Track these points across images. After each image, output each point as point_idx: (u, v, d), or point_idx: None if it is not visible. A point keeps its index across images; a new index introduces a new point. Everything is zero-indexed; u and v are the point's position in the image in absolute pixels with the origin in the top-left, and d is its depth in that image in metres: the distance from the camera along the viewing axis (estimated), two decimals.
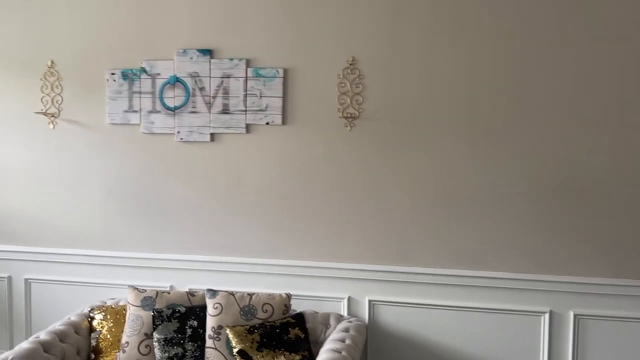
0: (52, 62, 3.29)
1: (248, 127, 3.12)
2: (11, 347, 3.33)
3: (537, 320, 2.92)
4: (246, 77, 3.09)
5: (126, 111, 3.22)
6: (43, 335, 2.71)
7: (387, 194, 3.02)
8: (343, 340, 2.67)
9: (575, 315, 2.88)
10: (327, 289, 3.11)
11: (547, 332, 2.90)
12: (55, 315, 3.27)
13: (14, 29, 3.31)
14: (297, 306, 3.00)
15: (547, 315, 2.90)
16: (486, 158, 2.91)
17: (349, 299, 3.09)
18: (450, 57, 2.91)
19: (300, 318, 2.84)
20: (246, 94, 3.10)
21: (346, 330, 2.81)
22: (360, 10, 2.97)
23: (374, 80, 2.99)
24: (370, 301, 3.07)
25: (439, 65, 2.92)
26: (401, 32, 2.94)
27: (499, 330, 2.95)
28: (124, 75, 3.21)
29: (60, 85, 3.29)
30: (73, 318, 2.94)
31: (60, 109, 3.30)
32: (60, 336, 2.76)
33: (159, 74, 3.18)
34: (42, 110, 3.29)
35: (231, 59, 3.10)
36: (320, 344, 2.81)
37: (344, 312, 3.09)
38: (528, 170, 2.88)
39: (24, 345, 2.60)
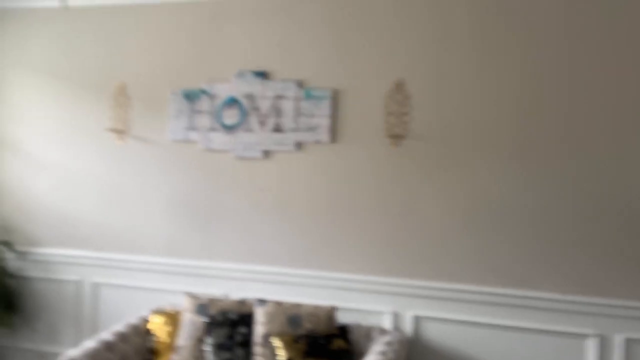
0: (123, 83, 3.59)
1: (298, 145, 3.28)
2: (78, 345, 3.60)
3: (583, 343, 2.88)
4: (297, 97, 3.26)
5: (187, 129, 3.46)
6: (106, 336, 2.95)
7: (432, 211, 3.08)
8: (385, 354, 2.74)
9: (626, 340, 2.82)
10: (371, 302, 3.19)
11: (594, 356, 2.85)
12: (118, 317, 3.52)
13: (90, 54, 3.63)
14: (341, 318, 3.10)
15: (594, 338, 2.85)
16: (532, 179, 2.93)
17: (393, 313, 3.16)
18: (495, 79, 2.96)
19: (344, 330, 2.94)
20: (297, 114, 3.26)
21: (389, 343, 2.88)
22: (407, 34, 3.07)
23: (420, 101, 3.07)
24: (413, 316, 3.13)
25: (484, 87, 2.97)
26: (447, 54, 3.02)
27: (542, 351, 2.93)
28: (186, 96, 3.45)
29: (129, 104, 3.58)
30: (134, 321, 3.17)
31: (128, 126, 3.58)
32: (122, 337, 2.99)
33: (217, 94, 3.40)
34: (112, 127, 3.59)
35: (284, 81, 3.28)
36: (363, 356, 2.90)
37: (388, 326, 3.16)
38: (575, 190, 2.87)
39: (89, 344, 2.83)
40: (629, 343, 2.82)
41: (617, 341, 2.83)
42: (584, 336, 2.88)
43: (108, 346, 2.87)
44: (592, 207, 2.85)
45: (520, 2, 2.91)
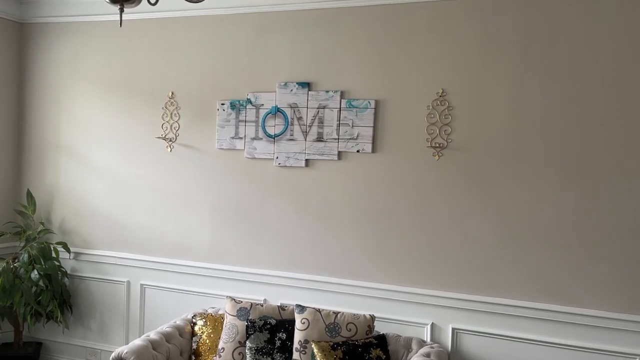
0: (173, 93, 3.74)
1: (340, 154, 3.32)
2: (126, 343, 3.76)
3: None
4: (340, 107, 3.31)
5: (232, 137, 3.57)
6: (153, 335, 3.07)
7: (474, 223, 3.05)
8: None
9: None
10: (410, 314, 3.18)
11: None
12: (164, 318, 3.65)
13: (143, 66, 3.80)
14: (380, 328, 3.11)
15: None
16: (576, 192, 2.86)
17: (432, 325, 3.14)
18: (539, 89, 2.91)
19: (382, 339, 2.95)
20: (339, 124, 3.31)
21: (427, 355, 2.86)
22: (450, 44, 3.07)
23: (463, 112, 3.06)
24: (453, 329, 3.10)
25: (528, 97, 2.93)
26: (490, 65, 3.00)
27: None
28: (232, 106, 3.57)
29: (178, 113, 3.72)
30: (178, 322, 3.28)
31: (177, 134, 3.73)
32: (167, 337, 3.10)
33: (262, 104, 3.49)
34: (162, 135, 3.74)
35: (327, 91, 3.34)
36: None
37: (427, 338, 3.14)
38: (621, 205, 2.78)
39: (137, 342, 2.96)
40: None
41: None
42: (632, 356, 2.77)
43: (155, 345, 2.98)
44: (635, 225, 2.76)
45: (567, 12, 2.86)
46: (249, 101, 3.53)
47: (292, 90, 3.42)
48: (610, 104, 2.80)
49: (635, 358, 2.77)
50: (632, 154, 2.76)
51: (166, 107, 3.75)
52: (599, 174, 2.82)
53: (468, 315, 3.07)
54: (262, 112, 3.50)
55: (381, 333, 3.02)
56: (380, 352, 2.88)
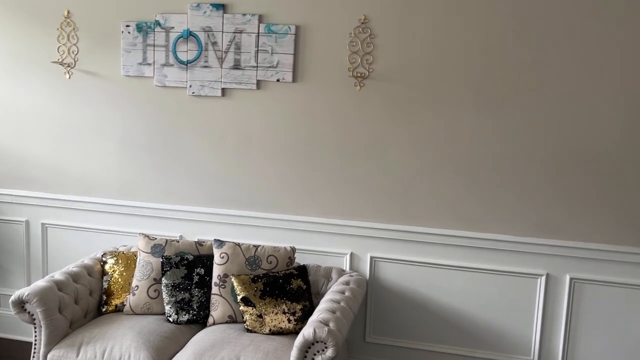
0: (69, 12, 3.34)
1: (259, 83, 3.16)
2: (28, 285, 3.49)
3: (534, 282, 2.98)
4: (258, 32, 3.11)
5: (140, 64, 3.28)
6: (58, 275, 2.85)
7: (393, 154, 3.06)
8: (343, 292, 2.77)
9: (571, 279, 2.93)
10: (330, 244, 3.20)
11: (543, 294, 2.97)
12: (70, 259, 3.42)
13: None
14: (300, 260, 3.10)
15: (543, 278, 2.96)
16: (494, 121, 2.93)
17: (352, 254, 3.18)
18: (463, 16, 2.89)
19: (302, 270, 2.94)
20: (258, 50, 3.13)
21: (347, 283, 2.90)
22: None
23: (386, 40, 2.99)
24: (372, 257, 3.15)
25: (452, 26, 2.91)
26: None
27: (496, 291, 3.03)
28: (139, 28, 3.25)
29: (76, 35, 3.34)
30: (86, 261, 3.08)
31: (76, 59, 3.36)
32: (74, 277, 2.90)
33: (172, 27, 3.21)
34: (58, 59, 3.36)
35: (244, 14, 3.12)
36: (321, 296, 2.92)
37: (346, 267, 3.18)
38: (533, 135, 2.89)
39: (40, 283, 2.74)
40: (573, 282, 2.94)
41: (566, 280, 2.95)
42: (535, 276, 2.98)
43: (60, 285, 2.78)
44: (546, 150, 2.88)
45: None
46: (157, 23, 3.23)
47: (205, 12, 3.16)
48: (533, 31, 2.83)
49: (538, 277, 2.98)
50: (547, 85, 2.85)
51: (62, 28, 3.35)
52: (517, 106, 2.89)
53: (386, 244, 3.13)
54: (173, 36, 3.22)
55: (302, 264, 3.02)
56: (301, 282, 2.88)
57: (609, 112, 2.80)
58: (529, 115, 2.89)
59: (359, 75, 3.03)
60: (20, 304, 2.66)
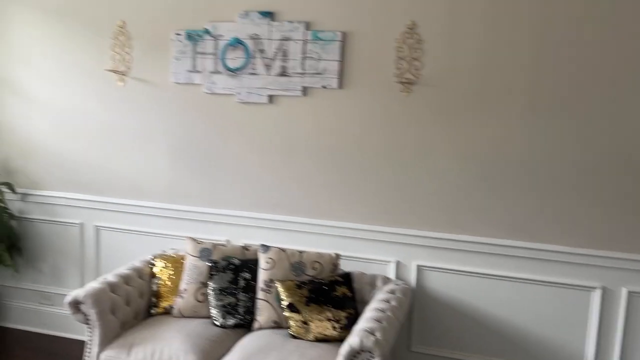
0: (123, 22, 3.45)
1: (305, 90, 3.18)
2: (82, 286, 3.62)
3: (587, 295, 2.87)
4: (305, 40, 3.13)
5: (190, 71, 3.35)
6: (110, 277, 2.94)
7: (440, 160, 3.01)
8: (389, 301, 2.74)
9: (629, 292, 2.81)
10: (375, 252, 3.17)
11: (598, 308, 2.86)
12: (121, 261, 3.51)
13: None
14: (345, 267, 3.09)
15: (598, 291, 2.85)
16: (545, 129, 2.84)
17: (397, 263, 3.14)
18: (512, 23, 2.82)
19: (347, 277, 2.93)
20: (304, 57, 3.14)
21: (392, 292, 2.87)
22: None
23: (433, 46, 2.95)
24: (417, 266, 3.11)
25: (501, 32, 2.84)
26: None
27: (547, 303, 2.93)
28: (189, 36, 3.32)
29: (130, 44, 3.45)
30: (137, 264, 3.16)
31: (129, 67, 3.47)
32: (125, 279, 2.99)
33: (221, 35, 3.27)
34: (113, 68, 3.47)
35: (291, 22, 3.14)
36: (366, 304, 2.90)
37: (392, 276, 3.15)
38: (587, 143, 2.79)
39: (94, 284, 2.83)
40: (630, 296, 2.82)
41: (623, 294, 2.82)
42: (589, 289, 2.87)
43: (113, 287, 2.87)
44: (601, 161, 2.78)
45: None
46: (206, 31, 3.29)
47: (253, 20, 3.20)
48: (585, 38, 2.74)
49: (593, 290, 2.87)
50: (602, 94, 2.74)
51: (116, 38, 3.47)
52: (568, 111, 2.80)
53: (432, 253, 3.09)
54: (222, 44, 3.28)
55: (347, 271, 3.00)
56: (346, 290, 2.87)
57: None
58: (584, 123, 2.79)
59: (406, 81, 3.00)
60: (76, 305, 2.75)
